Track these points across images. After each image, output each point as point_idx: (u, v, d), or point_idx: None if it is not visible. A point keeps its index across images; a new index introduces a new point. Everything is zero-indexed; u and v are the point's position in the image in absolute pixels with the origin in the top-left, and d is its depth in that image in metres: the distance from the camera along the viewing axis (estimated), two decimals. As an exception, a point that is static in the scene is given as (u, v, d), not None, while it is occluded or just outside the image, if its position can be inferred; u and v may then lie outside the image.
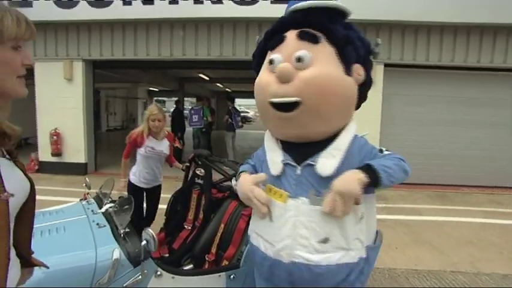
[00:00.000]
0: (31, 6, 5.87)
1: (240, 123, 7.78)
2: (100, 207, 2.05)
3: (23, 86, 0.86)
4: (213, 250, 2.24)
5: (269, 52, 1.28)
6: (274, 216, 1.24)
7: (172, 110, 9.18)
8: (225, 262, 2.08)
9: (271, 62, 1.22)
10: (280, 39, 1.22)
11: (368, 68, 1.26)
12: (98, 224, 1.77)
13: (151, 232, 1.48)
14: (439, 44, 5.80)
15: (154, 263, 1.64)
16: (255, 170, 1.44)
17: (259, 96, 1.26)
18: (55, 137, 6.44)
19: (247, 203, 1.32)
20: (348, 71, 1.18)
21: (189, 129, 8.43)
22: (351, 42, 1.19)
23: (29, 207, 0.92)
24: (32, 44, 6.39)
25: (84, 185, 2.45)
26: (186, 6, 5.50)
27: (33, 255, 1.03)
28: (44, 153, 6.61)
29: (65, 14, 5.82)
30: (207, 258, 2.24)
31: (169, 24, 6.01)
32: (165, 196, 3.24)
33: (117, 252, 1.52)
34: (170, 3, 5.50)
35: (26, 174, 0.92)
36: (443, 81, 6.06)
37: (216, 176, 2.73)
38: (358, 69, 1.21)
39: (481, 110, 6.08)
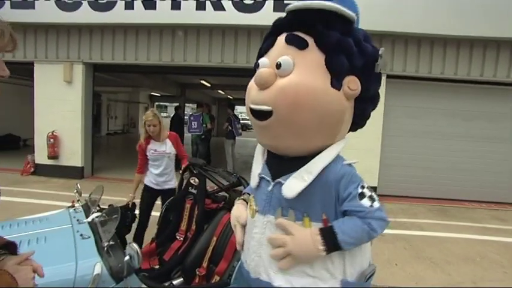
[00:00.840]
0: (33, 7, 5.86)
1: (239, 131, 7.74)
2: (87, 216, 1.96)
3: None
4: (204, 264, 2.15)
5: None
6: (246, 228, 1.22)
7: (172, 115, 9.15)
8: (216, 278, 1.99)
9: (257, 66, 1.14)
10: (271, 43, 1.14)
11: (368, 81, 1.09)
12: (81, 234, 1.68)
13: (135, 247, 1.39)
14: (442, 56, 5.76)
15: (138, 279, 1.55)
16: None
17: (246, 101, 1.20)
18: (52, 140, 6.36)
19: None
20: (336, 83, 1.04)
21: (188, 136, 8.37)
22: (344, 49, 1.03)
23: None
24: (33, 46, 6.38)
25: (75, 191, 2.37)
26: (188, 12, 5.48)
27: None
28: (41, 156, 6.53)
29: (67, 17, 5.80)
30: (197, 273, 2.14)
31: (170, 30, 5.99)
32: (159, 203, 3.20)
33: (98, 267, 1.43)
34: (172, 8, 5.48)
35: None
36: (445, 94, 6.00)
37: (212, 185, 2.65)
38: (351, 81, 1.05)
39: (484, 124, 6.00)
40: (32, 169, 6.63)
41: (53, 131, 6.38)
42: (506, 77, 5.72)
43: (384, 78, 5.65)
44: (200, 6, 5.45)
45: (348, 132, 1.20)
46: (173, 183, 3.09)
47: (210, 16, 5.48)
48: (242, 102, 1.28)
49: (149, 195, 3.08)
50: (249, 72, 1.19)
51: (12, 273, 0.85)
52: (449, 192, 6.03)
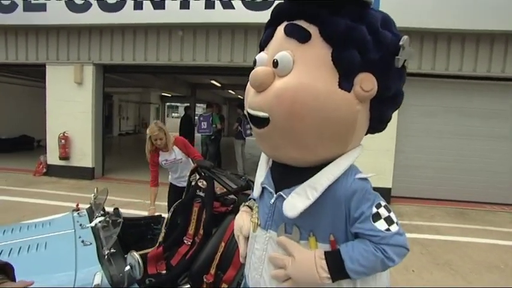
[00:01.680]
0: (45, 10, 5.91)
1: (248, 131, 7.62)
2: (91, 221, 1.89)
3: None
4: (212, 271, 2.05)
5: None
6: (248, 242, 1.09)
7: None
8: (224, 286, 1.89)
9: (254, 62, 0.98)
10: (270, 34, 0.96)
11: (387, 78, 0.88)
12: (83, 241, 1.61)
13: (137, 256, 1.31)
14: (460, 52, 5.51)
15: (140, 289, 1.46)
16: None
17: (244, 103, 1.04)
18: (63, 141, 6.41)
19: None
20: (346, 83, 0.85)
21: (198, 136, 8.33)
22: (355, 40, 0.82)
23: None
24: (45, 48, 6.45)
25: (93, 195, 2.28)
26: (197, 11, 5.41)
27: None
28: (52, 157, 6.59)
29: (77, 18, 5.82)
30: (205, 279, 2.05)
31: (180, 29, 5.93)
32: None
33: (98, 277, 1.36)
34: (181, 8, 5.43)
35: None
36: (463, 91, 5.75)
37: (221, 187, 2.56)
38: (364, 80, 0.85)
39: (506, 123, 5.73)
40: (44, 170, 6.70)
41: (64, 132, 6.42)
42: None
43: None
44: (209, 5, 5.38)
45: (366, 134, 1.02)
46: None
47: (219, 15, 5.40)
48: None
49: (175, 192, 3.15)
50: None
51: None
52: (468, 194, 5.78)
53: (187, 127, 9.00)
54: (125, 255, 1.46)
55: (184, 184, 3.01)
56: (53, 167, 6.62)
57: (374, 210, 0.87)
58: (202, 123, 7.40)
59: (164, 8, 5.49)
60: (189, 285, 2.10)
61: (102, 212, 1.96)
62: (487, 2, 4.98)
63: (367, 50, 0.84)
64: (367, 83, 0.85)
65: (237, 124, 7.48)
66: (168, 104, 24.10)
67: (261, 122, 0.90)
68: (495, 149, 5.76)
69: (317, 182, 0.90)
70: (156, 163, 3.04)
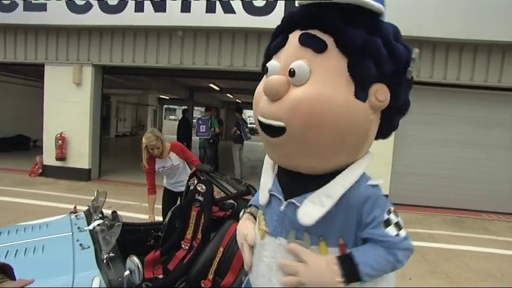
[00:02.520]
0: (45, 10, 5.90)
1: (248, 135, 7.67)
2: (89, 223, 1.87)
3: None
4: (210, 276, 2.03)
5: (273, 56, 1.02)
6: (254, 249, 1.07)
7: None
8: (222, 291, 1.87)
9: (266, 70, 0.97)
10: (282, 42, 0.95)
11: (398, 89, 0.91)
12: (81, 244, 1.59)
13: (136, 261, 1.29)
14: (458, 61, 5.58)
15: (139, 294, 1.44)
16: None
17: (253, 110, 1.03)
18: (60, 141, 6.37)
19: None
20: (361, 94, 0.86)
21: (195, 139, 8.32)
22: (372, 52, 0.84)
23: None
24: (45, 48, 6.42)
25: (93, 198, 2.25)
26: (198, 15, 5.42)
27: None
28: (49, 157, 6.54)
29: (78, 19, 5.82)
30: (203, 285, 2.03)
31: (182, 34, 5.94)
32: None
33: (97, 281, 1.33)
34: (182, 11, 5.44)
35: None
36: (461, 100, 5.80)
37: (220, 191, 2.55)
38: (379, 91, 0.87)
39: (503, 132, 5.77)
40: (40, 170, 6.64)
41: (61, 133, 6.38)
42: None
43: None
44: (210, 9, 5.40)
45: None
46: None
47: (219, 19, 5.42)
48: (250, 106, 1.11)
49: (170, 197, 3.17)
50: (259, 76, 1.05)
51: None
52: (465, 202, 5.80)
53: (184, 130, 8.99)
54: (124, 260, 1.44)
55: (181, 189, 3.00)
56: (49, 167, 6.57)
57: (385, 216, 0.90)
58: (200, 126, 7.39)
59: (165, 11, 5.50)
60: (186, 291, 2.08)
61: (100, 215, 1.94)
62: (488, 12, 5.04)
63: (382, 62, 0.86)
64: (381, 93, 0.87)
65: (235, 128, 7.49)
66: (165, 106, 24.09)
67: (276, 131, 0.90)
68: (495, 158, 5.79)
69: (332, 189, 0.91)
70: (152, 170, 2.99)
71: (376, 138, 1.05)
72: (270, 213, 1.04)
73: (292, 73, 0.87)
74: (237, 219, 2.07)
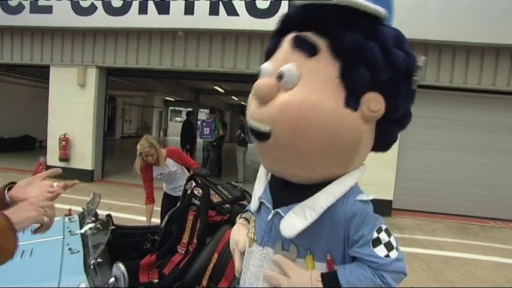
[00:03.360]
0: (51, 12, 5.95)
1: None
2: (81, 227, 1.85)
3: None
4: (204, 282, 2.00)
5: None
6: (244, 257, 1.04)
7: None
8: (216, 298, 1.83)
9: (259, 73, 0.94)
10: (276, 44, 0.92)
11: (396, 99, 0.84)
12: (70, 248, 1.56)
13: (122, 268, 1.26)
14: (465, 65, 5.47)
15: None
16: None
17: (246, 113, 1.01)
18: (64, 142, 6.41)
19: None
20: (352, 102, 0.81)
21: (199, 142, 8.32)
22: (365, 57, 0.79)
23: None
24: (50, 49, 6.48)
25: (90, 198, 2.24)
26: (201, 17, 5.43)
27: None
28: (53, 158, 6.58)
29: (83, 21, 5.86)
30: (197, 291, 1.99)
31: (183, 35, 5.95)
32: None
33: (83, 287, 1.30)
34: (185, 13, 5.44)
35: None
36: (468, 104, 5.69)
37: (217, 195, 2.51)
38: (372, 100, 0.81)
39: (508, 137, 5.64)
40: (44, 171, 6.66)
41: (65, 134, 6.42)
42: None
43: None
44: (213, 11, 5.39)
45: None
46: None
47: (223, 21, 5.41)
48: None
49: (169, 201, 3.14)
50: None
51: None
52: (471, 209, 5.67)
53: (188, 132, 9.01)
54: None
55: (180, 193, 2.97)
56: (53, 168, 6.60)
57: (375, 235, 0.84)
58: (204, 128, 7.39)
59: (169, 13, 5.52)
60: (180, 296, 2.04)
61: (93, 218, 1.92)
62: (492, 15, 4.95)
63: (378, 70, 0.80)
64: (374, 103, 0.81)
65: (239, 131, 7.45)
66: (171, 108, 24.19)
67: (262, 136, 0.87)
68: (501, 164, 5.66)
69: (316, 202, 0.86)
70: (150, 178, 2.96)
71: (375, 150, 0.99)
72: (259, 221, 1.02)
73: (280, 76, 0.84)
74: (233, 224, 2.04)
